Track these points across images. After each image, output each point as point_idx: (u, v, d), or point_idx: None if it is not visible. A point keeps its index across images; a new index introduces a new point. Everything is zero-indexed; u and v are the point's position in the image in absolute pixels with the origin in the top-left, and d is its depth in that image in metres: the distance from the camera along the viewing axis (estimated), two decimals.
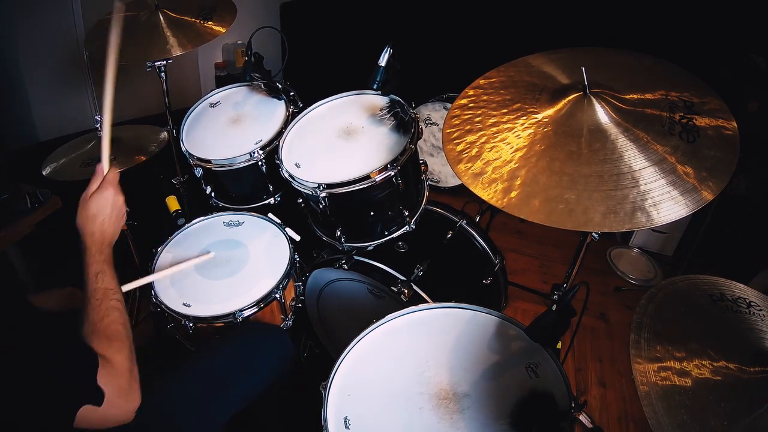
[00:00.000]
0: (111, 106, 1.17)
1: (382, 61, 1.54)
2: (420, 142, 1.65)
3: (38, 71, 2.47)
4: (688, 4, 2.48)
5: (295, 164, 1.56)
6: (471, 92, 1.32)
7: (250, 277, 1.58)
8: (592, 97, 1.12)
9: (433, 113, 2.86)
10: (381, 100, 1.67)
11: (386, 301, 1.63)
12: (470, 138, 1.19)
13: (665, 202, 0.97)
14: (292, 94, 1.83)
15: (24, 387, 0.83)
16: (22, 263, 2.03)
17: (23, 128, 2.47)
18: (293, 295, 1.70)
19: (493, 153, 1.14)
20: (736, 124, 1.07)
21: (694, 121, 1.08)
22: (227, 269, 1.61)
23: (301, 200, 1.69)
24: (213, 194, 1.86)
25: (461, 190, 2.78)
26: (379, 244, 1.64)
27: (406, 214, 1.60)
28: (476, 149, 1.16)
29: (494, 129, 1.19)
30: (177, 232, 1.76)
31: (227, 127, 1.81)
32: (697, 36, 2.41)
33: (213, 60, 3.21)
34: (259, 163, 1.68)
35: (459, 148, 1.19)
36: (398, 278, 1.59)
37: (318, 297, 1.80)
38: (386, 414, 1.09)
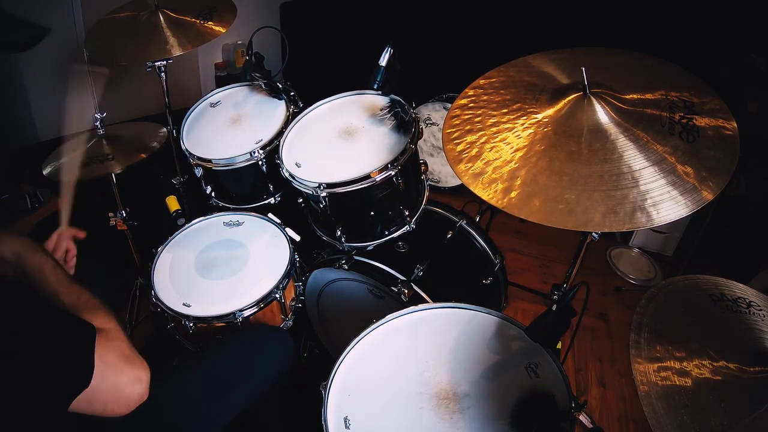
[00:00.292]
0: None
1: (383, 61, 1.54)
2: (420, 142, 1.65)
3: (38, 71, 2.47)
4: (688, 4, 2.48)
5: (296, 164, 1.56)
6: (471, 92, 1.32)
7: (250, 277, 1.58)
8: (592, 97, 1.12)
9: (433, 113, 2.86)
10: (381, 100, 1.67)
11: (386, 301, 1.63)
12: (470, 138, 1.19)
13: (665, 202, 0.97)
14: (292, 94, 1.83)
15: (22, 379, 0.82)
16: None
17: (23, 128, 2.47)
18: (293, 295, 1.70)
19: (493, 153, 1.14)
20: (736, 124, 1.07)
21: (694, 121, 1.08)
22: (227, 269, 1.61)
23: (301, 200, 1.69)
24: (213, 194, 1.86)
25: (461, 190, 2.79)
26: (379, 244, 1.64)
27: (406, 214, 1.60)
28: (476, 149, 1.16)
29: (494, 129, 1.19)
30: (177, 232, 1.76)
31: (227, 126, 1.81)
32: (697, 36, 2.41)
33: (213, 60, 3.21)
34: (260, 162, 1.68)
35: (459, 148, 1.19)
36: (398, 278, 1.59)
37: (318, 297, 1.80)
38: (386, 414, 1.09)
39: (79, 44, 2.51)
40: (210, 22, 1.85)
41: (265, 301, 1.53)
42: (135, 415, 0.95)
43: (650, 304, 0.92)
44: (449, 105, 1.80)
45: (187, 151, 1.74)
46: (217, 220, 1.79)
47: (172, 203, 1.81)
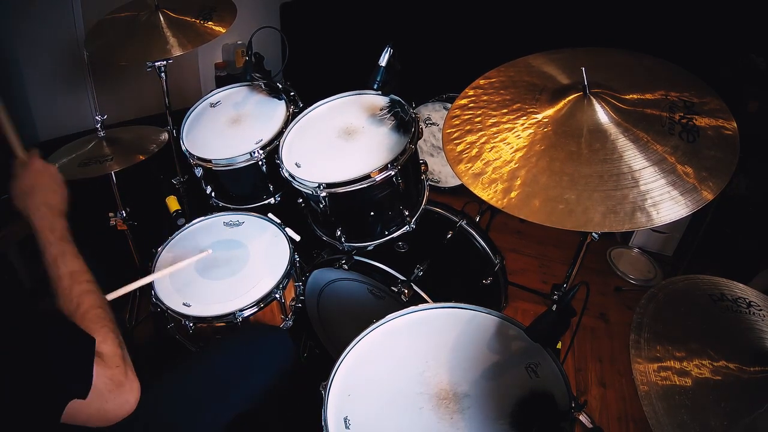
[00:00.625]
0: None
1: (383, 61, 1.54)
2: (420, 142, 1.65)
3: (38, 71, 2.47)
4: (688, 4, 2.48)
5: (296, 164, 1.56)
6: (471, 92, 1.32)
7: (250, 277, 1.58)
8: (592, 97, 1.12)
9: (433, 113, 2.86)
10: (381, 100, 1.67)
11: (386, 301, 1.63)
12: (470, 138, 1.19)
13: (665, 202, 0.97)
14: (292, 94, 1.83)
15: (19, 382, 0.82)
16: (22, 263, 2.03)
17: (23, 128, 2.47)
18: (293, 295, 1.70)
19: (493, 153, 1.14)
20: (736, 124, 1.07)
21: (694, 121, 1.08)
22: (227, 269, 1.61)
23: (301, 200, 1.69)
24: (213, 194, 1.86)
25: (461, 190, 2.78)
26: (379, 244, 1.64)
27: (406, 214, 1.60)
28: (476, 149, 1.16)
29: (494, 129, 1.19)
30: (177, 232, 1.76)
31: (227, 126, 1.81)
32: (697, 36, 2.41)
33: (213, 60, 3.21)
34: (260, 162, 1.68)
35: (459, 148, 1.19)
36: (398, 278, 1.59)
37: (318, 297, 1.80)
38: (386, 414, 1.09)
39: (79, 44, 2.50)
40: (210, 22, 1.85)
41: (265, 301, 1.53)
42: (135, 415, 0.94)
43: (650, 304, 0.92)
44: (449, 105, 1.80)
45: (187, 151, 1.74)
46: (217, 220, 1.79)
47: (172, 203, 1.81)
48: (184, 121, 1.85)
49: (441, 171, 2.98)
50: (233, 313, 1.47)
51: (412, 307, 1.30)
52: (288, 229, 1.71)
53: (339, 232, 1.61)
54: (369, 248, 1.66)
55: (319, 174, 1.51)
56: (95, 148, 1.83)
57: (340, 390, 1.14)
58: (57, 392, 0.84)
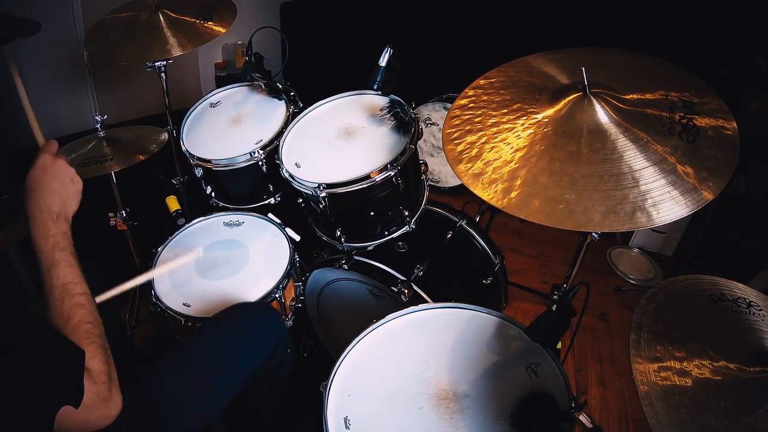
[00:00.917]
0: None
1: (383, 61, 1.54)
2: (420, 142, 1.65)
3: (38, 71, 2.47)
4: (688, 4, 2.48)
5: (296, 164, 1.56)
6: (471, 92, 1.32)
7: (250, 277, 1.58)
8: (592, 98, 1.12)
9: (433, 113, 2.86)
10: (381, 100, 1.67)
11: (386, 301, 1.63)
12: (470, 138, 1.19)
13: (665, 202, 0.97)
14: (292, 94, 1.83)
15: (15, 385, 0.82)
16: (22, 263, 2.03)
17: (23, 128, 2.47)
18: (293, 295, 1.70)
19: (493, 153, 1.14)
20: (736, 124, 1.07)
21: (694, 121, 1.08)
22: (227, 269, 1.61)
23: (301, 200, 1.69)
24: (213, 194, 1.86)
25: (461, 190, 2.78)
26: (379, 244, 1.64)
27: (406, 214, 1.60)
28: (476, 149, 1.16)
29: (494, 129, 1.19)
30: (177, 232, 1.76)
31: (227, 127, 1.81)
32: (697, 36, 2.41)
33: (213, 60, 3.21)
34: (260, 163, 1.68)
35: (459, 148, 1.19)
36: (398, 278, 1.59)
37: (318, 297, 1.80)
38: (386, 414, 1.09)
39: (79, 44, 2.50)
40: (210, 22, 1.85)
41: (265, 301, 1.53)
42: (125, 408, 0.94)
43: (650, 304, 0.92)
44: (449, 105, 1.80)
45: (187, 151, 1.74)
46: (217, 220, 1.79)
47: (172, 203, 1.81)
48: (184, 121, 1.85)
49: (441, 171, 2.98)
50: None
51: (412, 307, 1.30)
52: (288, 229, 1.71)
53: (339, 232, 1.61)
54: (369, 248, 1.66)
55: (319, 174, 1.51)
56: (95, 148, 1.83)
57: (340, 390, 1.14)
58: (55, 393, 0.85)
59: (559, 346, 1.52)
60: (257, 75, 1.81)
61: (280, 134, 1.70)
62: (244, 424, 1.50)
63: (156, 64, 1.84)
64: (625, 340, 1.51)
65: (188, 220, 1.78)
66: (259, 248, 1.67)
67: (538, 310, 2.12)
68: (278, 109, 1.81)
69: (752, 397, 0.76)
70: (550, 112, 1.16)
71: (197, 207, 2.01)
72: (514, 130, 1.16)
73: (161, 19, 1.84)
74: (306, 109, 1.74)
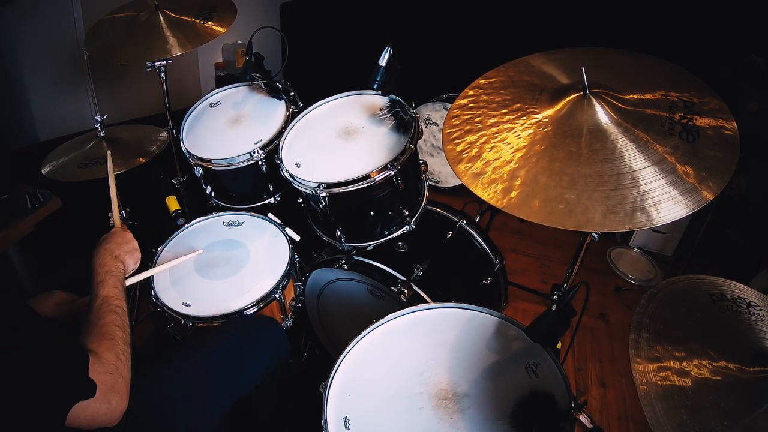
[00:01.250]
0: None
1: (383, 61, 1.54)
2: (420, 142, 1.65)
3: (38, 71, 2.47)
4: (688, 4, 2.48)
5: (295, 164, 1.56)
6: (471, 92, 1.32)
7: (250, 277, 1.58)
8: (592, 97, 1.12)
9: (433, 113, 2.86)
10: (381, 100, 1.67)
11: (386, 301, 1.63)
12: (470, 138, 1.19)
13: (665, 202, 0.97)
14: (292, 94, 1.83)
15: (20, 385, 0.83)
16: (22, 263, 2.03)
17: (23, 128, 2.47)
18: (293, 295, 1.70)
19: (493, 153, 1.14)
20: (736, 124, 1.07)
21: (694, 121, 1.08)
22: (227, 269, 1.61)
23: (301, 200, 1.69)
24: (213, 194, 1.86)
25: (461, 190, 2.79)
26: (379, 244, 1.64)
27: (406, 214, 1.60)
28: (476, 149, 1.16)
29: (494, 129, 1.19)
30: (177, 232, 1.76)
31: (227, 126, 1.81)
32: (697, 36, 2.41)
33: (213, 60, 3.21)
34: (259, 162, 1.68)
35: (459, 148, 1.19)
36: (398, 278, 1.59)
37: (318, 297, 1.80)
38: (386, 414, 1.09)
39: (79, 44, 2.51)
40: (210, 22, 1.85)
41: (265, 301, 1.53)
42: (120, 418, 0.95)
43: (650, 304, 0.92)
44: (449, 105, 1.80)
45: (187, 151, 1.74)
46: (217, 220, 1.79)
47: (172, 203, 1.81)
48: (184, 121, 1.85)
49: (441, 171, 2.98)
50: (233, 314, 1.47)
51: (411, 307, 1.30)
52: (288, 229, 1.71)
53: (339, 232, 1.61)
54: (369, 248, 1.66)
55: (318, 174, 1.51)
56: (95, 148, 1.83)
57: (340, 390, 1.14)
58: (60, 393, 0.85)
59: (558, 346, 1.52)
60: (257, 75, 1.81)
61: (280, 134, 1.70)
62: (244, 423, 1.50)
63: (156, 64, 1.84)
64: (625, 340, 1.51)
65: (188, 220, 1.78)
66: (258, 248, 1.67)
67: (538, 310, 2.12)
68: (278, 108, 1.81)
69: (752, 397, 0.76)
70: (550, 112, 1.16)
71: (197, 207, 2.01)
72: (513, 130, 1.16)
73: (161, 19, 1.84)
74: (306, 108, 1.74)
